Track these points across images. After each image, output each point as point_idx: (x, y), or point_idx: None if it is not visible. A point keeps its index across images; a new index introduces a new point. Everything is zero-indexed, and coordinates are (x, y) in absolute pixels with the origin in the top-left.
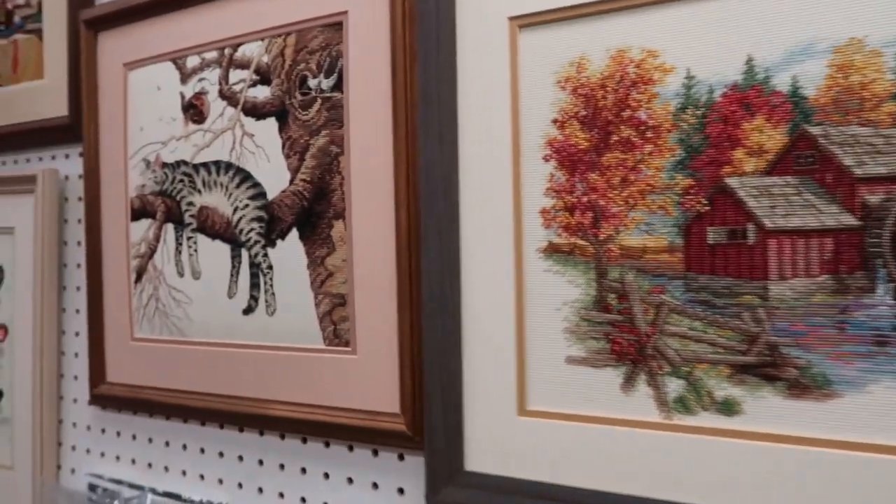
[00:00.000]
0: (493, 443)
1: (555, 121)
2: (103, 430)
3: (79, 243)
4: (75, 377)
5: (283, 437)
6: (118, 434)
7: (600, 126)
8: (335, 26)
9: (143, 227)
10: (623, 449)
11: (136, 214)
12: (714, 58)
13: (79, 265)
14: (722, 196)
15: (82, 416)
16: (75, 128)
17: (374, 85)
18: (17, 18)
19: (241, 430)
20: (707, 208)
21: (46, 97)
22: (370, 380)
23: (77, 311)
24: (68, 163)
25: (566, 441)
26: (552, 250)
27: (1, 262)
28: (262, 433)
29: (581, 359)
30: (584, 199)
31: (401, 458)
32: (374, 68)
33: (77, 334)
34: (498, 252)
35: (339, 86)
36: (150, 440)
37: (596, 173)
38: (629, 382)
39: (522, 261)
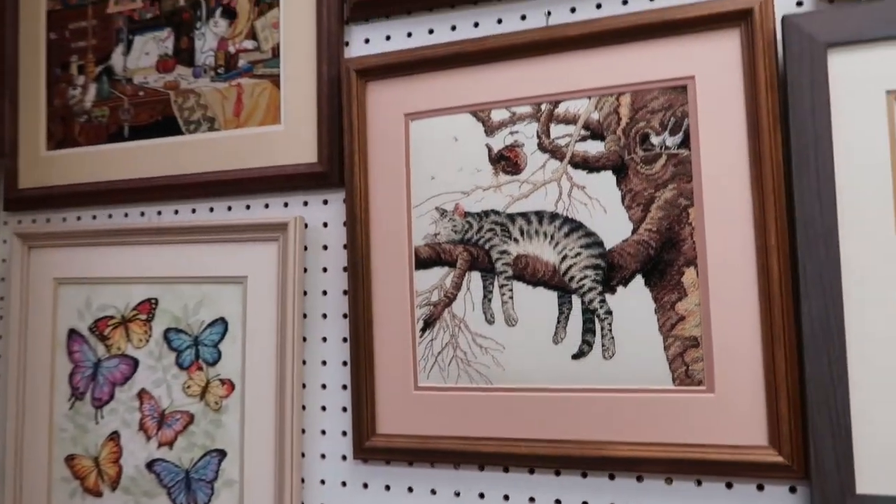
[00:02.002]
0: (886, 466)
1: None
2: (365, 485)
3: (324, 293)
4: (322, 432)
5: (612, 477)
6: (387, 488)
7: None
8: (678, 89)
9: (435, 276)
10: None
11: (426, 263)
12: None
13: (324, 315)
14: None
15: (332, 472)
16: (328, 175)
17: (728, 143)
18: (242, 63)
19: (558, 474)
20: None
21: (286, 144)
22: (731, 415)
23: (323, 362)
24: (307, 210)
25: None
26: None
27: (223, 314)
28: (584, 475)
29: None
30: None
31: (792, 490)
32: (727, 129)
33: (324, 387)
34: (883, 294)
35: (685, 143)
36: (434, 491)
37: None
38: None
39: None
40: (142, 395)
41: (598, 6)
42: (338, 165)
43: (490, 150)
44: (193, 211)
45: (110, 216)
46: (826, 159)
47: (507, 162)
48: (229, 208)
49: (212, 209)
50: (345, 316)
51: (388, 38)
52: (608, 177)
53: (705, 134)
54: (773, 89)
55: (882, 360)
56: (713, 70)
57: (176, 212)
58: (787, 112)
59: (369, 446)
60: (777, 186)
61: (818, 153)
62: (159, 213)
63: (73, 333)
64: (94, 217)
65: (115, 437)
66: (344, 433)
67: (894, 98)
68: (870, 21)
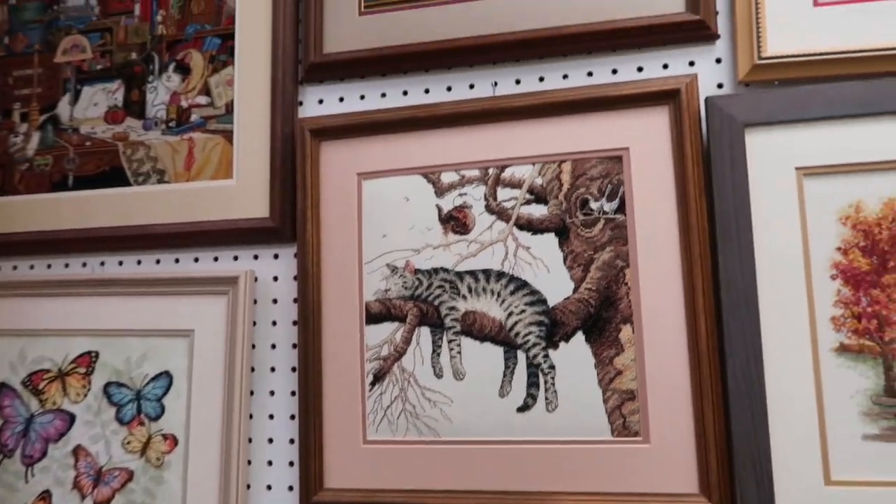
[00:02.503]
0: None
1: (839, 248)
2: None
3: (273, 346)
4: (268, 487)
5: None
6: None
7: (878, 254)
8: (614, 159)
9: (385, 331)
10: None
11: (376, 318)
12: None
13: (273, 369)
14: None
15: None
16: (280, 230)
17: (659, 210)
18: (195, 117)
19: None
20: None
21: (238, 198)
22: (665, 465)
23: (271, 416)
24: (257, 263)
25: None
26: (843, 350)
27: (168, 367)
28: None
29: (875, 435)
30: (869, 309)
31: None
32: (658, 196)
33: (271, 441)
34: (796, 351)
35: (621, 208)
36: None
37: (877, 290)
38: None
39: (819, 358)
40: (77, 451)
41: (541, 79)
42: (290, 221)
43: (440, 210)
44: (139, 262)
45: (49, 266)
46: (745, 227)
47: (456, 222)
48: (177, 260)
49: (158, 261)
50: (293, 369)
51: (341, 99)
52: (551, 238)
53: (639, 201)
54: (698, 162)
55: (797, 413)
56: (645, 143)
57: (120, 263)
58: (711, 183)
59: (316, 501)
60: (703, 251)
61: (739, 221)
62: (102, 263)
63: (3, 387)
64: (32, 267)
65: (45, 496)
66: (290, 488)
67: (803, 174)
68: (781, 105)
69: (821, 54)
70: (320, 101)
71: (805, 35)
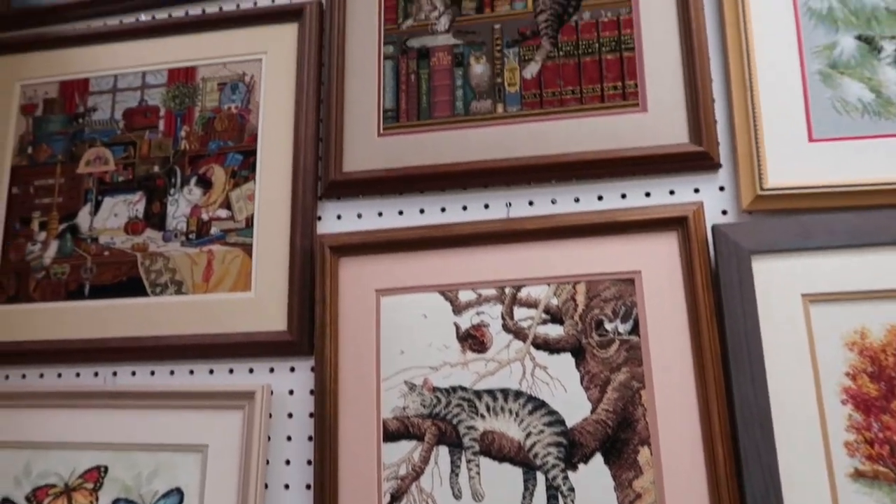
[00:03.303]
0: None
1: (847, 374)
2: None
3: (287, 462)
4: None
5: None
6: None
7: (885, 380)
8: (627, 281)
9: (403, 449)
10: None
11: (394, 436)
12: None
13: (287, 486)
14: None
15: None
16: (297, 344)
17: (672, 332)
18: (215, 230)
19: None
20: None
21: (256, 311)
22: None
23: None
24: (273, 377)
25: None
26: (858, 475)
27: (179, 484)
28: None
29: None
30: (881, 435)
31: None
32: (671, 319)
33: None
34: (813, 476)
35: (635, 330)
36: None
37: (887, 415)
38: None
39: (835, 484)
40: None
41: (553, 202)
42: (307, 334)
43: (458, 328)
44: (152, 373)
45: (59, 376)
46: (757, 351)
47: (473, 340)
48: (191, 372)
49: (172, 372)
50: (308, 486)
51: (359, 215)
52: (567, 358)
53: (652, 323)
54: (708, 286)
55: None
56: (656, 267)
57: (133, 373)
58: (721, 306)
59: None
60: (717, 373)
61: (750, 345)
62: (115, 374)
63: (6, 503)
64: (42, 376)
65: None
66: None
67: (809, 300)
68: (785, 233)
69: (818, 187)
70: (339, 217)
71: (802, 168)
